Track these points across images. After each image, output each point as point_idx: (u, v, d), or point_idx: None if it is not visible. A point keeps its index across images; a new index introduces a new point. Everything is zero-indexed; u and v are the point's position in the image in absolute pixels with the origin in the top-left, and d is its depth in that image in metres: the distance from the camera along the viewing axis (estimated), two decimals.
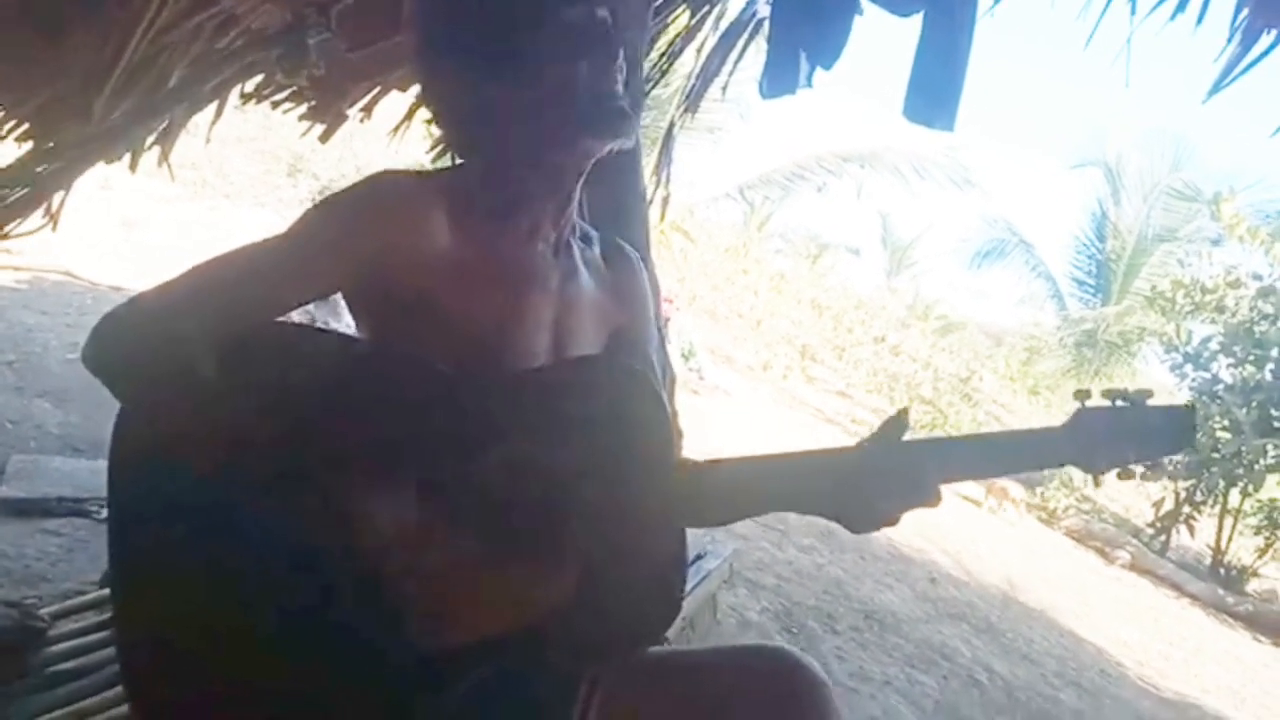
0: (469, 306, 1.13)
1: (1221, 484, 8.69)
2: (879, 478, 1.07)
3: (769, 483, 1.14)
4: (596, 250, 1.30)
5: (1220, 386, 8.90)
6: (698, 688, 1.14)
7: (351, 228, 1.12)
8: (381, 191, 1.16)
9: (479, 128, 1.17)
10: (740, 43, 2.52)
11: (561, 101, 1.12)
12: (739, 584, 3.83)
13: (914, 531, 6.21)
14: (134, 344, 1.05)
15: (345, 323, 1.23)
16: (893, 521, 1.08)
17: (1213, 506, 9.00)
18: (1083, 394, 1.10)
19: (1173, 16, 1.74)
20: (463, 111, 1.17)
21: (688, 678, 1.16)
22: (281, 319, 1.14)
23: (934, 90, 1.82)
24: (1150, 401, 1.08)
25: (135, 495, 1.10)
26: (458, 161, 1.25)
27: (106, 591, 1.65)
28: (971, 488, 8.76)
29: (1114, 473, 1.10)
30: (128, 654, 1.12)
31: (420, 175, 1.24)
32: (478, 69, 1.12)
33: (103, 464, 1.11)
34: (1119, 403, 1.08)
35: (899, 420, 1.10)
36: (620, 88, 1.14)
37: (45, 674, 1.40)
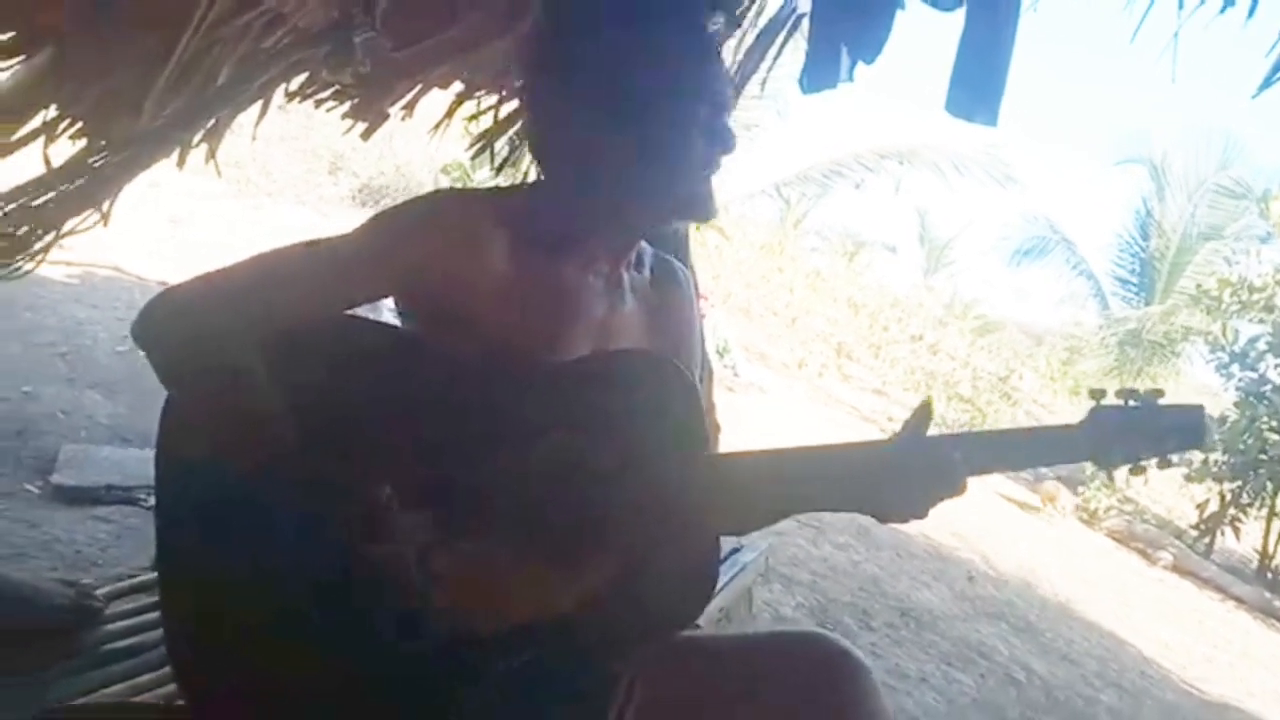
0: (511, 329, 1.14)
1: (1269, 486, 8.51)
2: (908, 470, 1.08)
3: (798, 474, 1.14)
4: (647, 272, 1.31)
5: (1268, 387, 8.72)
6: (735, 672, 1.14)
7: (403, 239, 1.15)
8: (439, 208, 1.20)
9: (575, 166, 1.17)
10: (779, 39, 2.52)
11: (667, 174, 1.14)
12: (774, 580, 3.82)
13: (951, 530, 6.15)
14: (185, 325, 1.08)
15: (390, 310, 1.26)
16: (921, 514, 1.09)
17: (1259, 509, 8.82)
18: (1098, 393, 1.14)
19: (1222, 10, 1.71)
20: (565, 144, 1.17)
21: (725, 662, 1.16)
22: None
23: (977, 84, 1.80)
24: (1161, 401, 1.12)
25: (179, 485, 1.13)
26: (528, 179, 1.27)
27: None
28: (1015, 489, 8.67)
29: (1126, 468, 1.13)
30: (172, 640, 1.16)
31: (483, 194, 1.26)
32: (600, 115, 1.12)
33: (150, 453, 1.14)
34: (1131, 402, 1.11)
35: (924, 411, 1.12)
36: (715, 168, 1.17)
37: (101, 652, 1.45)
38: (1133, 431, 1.11)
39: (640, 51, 1.11)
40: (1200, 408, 1.13)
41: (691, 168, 1.15)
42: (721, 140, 1.16)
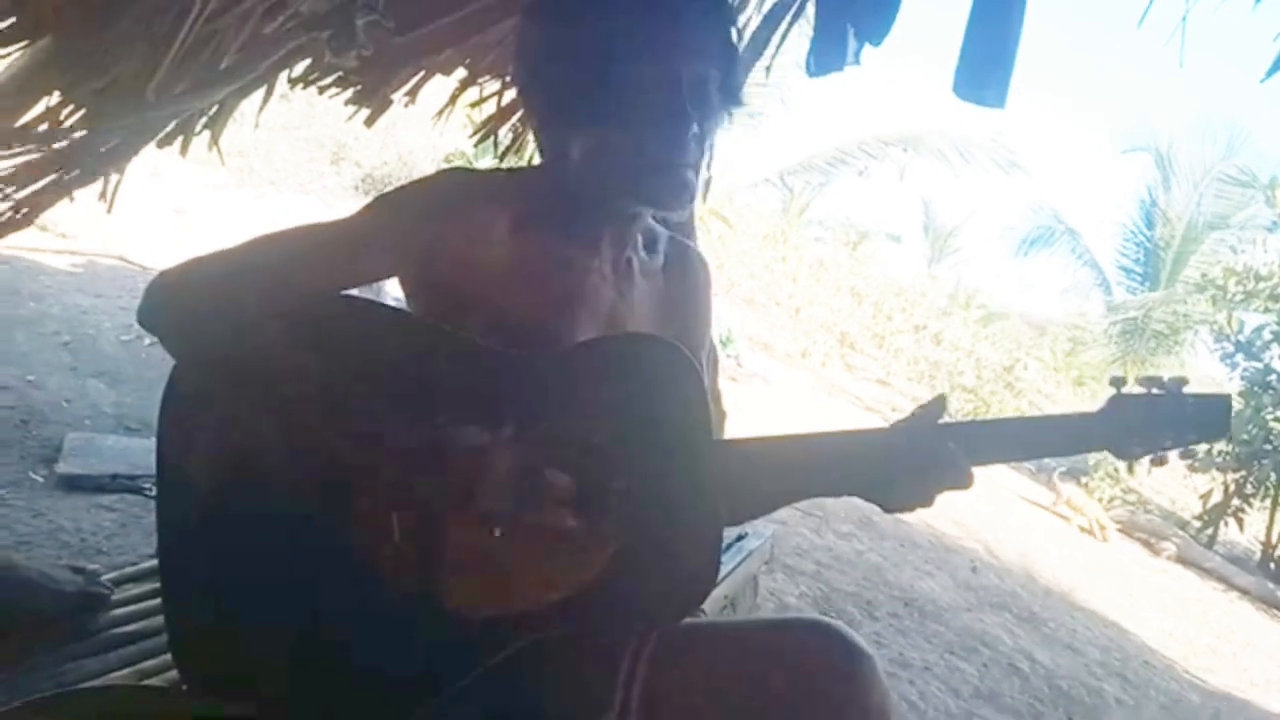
0: (517, 313, 1.14)
1: (1273, 476, 8.51)
2: (915, 459, 1.07)
3: (804, 460, 1.13)
4: (660, 258, 1.29)
5: (1273, 377, 8.72)
6: (740, 658, 1.14)
7: (410, 220, 1.15)
8: (445, 188, 1.19)
9: (556, 154, 1.17)
10: (784, 25, 2.50)
11: (620, 163, 1.11)
12: (778, 569, 3.83)
13: (955, 520, 6.16)
14: (191, 303, 1.09)
15: (393, 298, 1.25)
16: (927, 503, 1.09)
17: (1263, 499, 8.82)
18: (1119, 381, 1.11)
19: None
20: (545, 137, 1.19)
21: (729, 648, 1.16)
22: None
23: (985, 66, 1.79)
24: (1186, 389, 1.09)
25: (182, 461, 1.13)
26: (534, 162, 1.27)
27: None
28: (1033, 489, 8.66)
29: (1147, 459, 1.11)
30: (172, 618, 1.15)
31: (489, 175, 1.26)
32: (557, 106, 1.13)
33: (154, 442, 1.14)
34: (1155, 390, 1.09)
35: (937, 404, 1.11)
36: (688, 157, 1.12)
37: (107, 637, 1.45)
38: (1156, 422, 1.08)
39: (611, 43, 1.08)
40: (1226, 397, 1.11)
41: (658, 162, 1.11)
42: (683, 121, 1.10)
